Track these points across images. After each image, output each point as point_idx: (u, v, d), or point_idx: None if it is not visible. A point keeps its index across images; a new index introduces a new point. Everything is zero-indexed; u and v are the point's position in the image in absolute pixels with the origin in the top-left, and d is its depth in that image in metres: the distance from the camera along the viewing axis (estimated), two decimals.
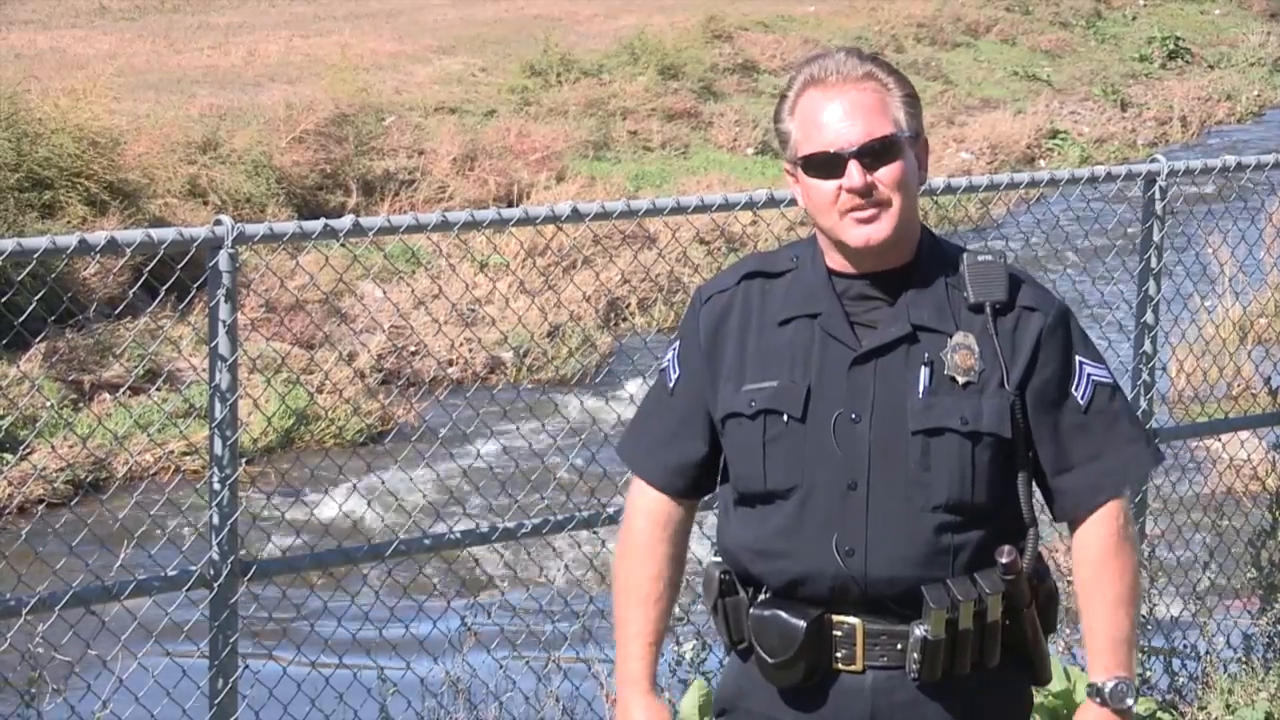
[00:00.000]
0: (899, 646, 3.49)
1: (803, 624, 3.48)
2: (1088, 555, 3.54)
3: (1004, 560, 3.46)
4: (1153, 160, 6.72)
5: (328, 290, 12.63)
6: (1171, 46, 30.01)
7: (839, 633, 3.50)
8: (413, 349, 13.19)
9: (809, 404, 3.49)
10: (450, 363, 13.27)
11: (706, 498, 3.75)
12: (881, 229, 3.46)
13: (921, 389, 3.47)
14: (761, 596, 3.56)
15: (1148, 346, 6.63)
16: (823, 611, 3.49)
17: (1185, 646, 6.93)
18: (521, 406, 8.08)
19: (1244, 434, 8.50)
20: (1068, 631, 6.28)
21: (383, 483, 6.67)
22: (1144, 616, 6.74)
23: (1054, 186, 6.70)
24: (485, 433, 9.61)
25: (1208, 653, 6.86)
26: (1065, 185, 6.72)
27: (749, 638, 3.56)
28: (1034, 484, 3.56)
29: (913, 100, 3.52)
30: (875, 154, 3.45)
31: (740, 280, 3.61)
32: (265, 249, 11.42)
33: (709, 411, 3.62)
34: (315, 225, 5.49)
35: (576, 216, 5.85)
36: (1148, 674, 6.75)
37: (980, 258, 3.54)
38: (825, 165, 3.46)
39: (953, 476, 3.46)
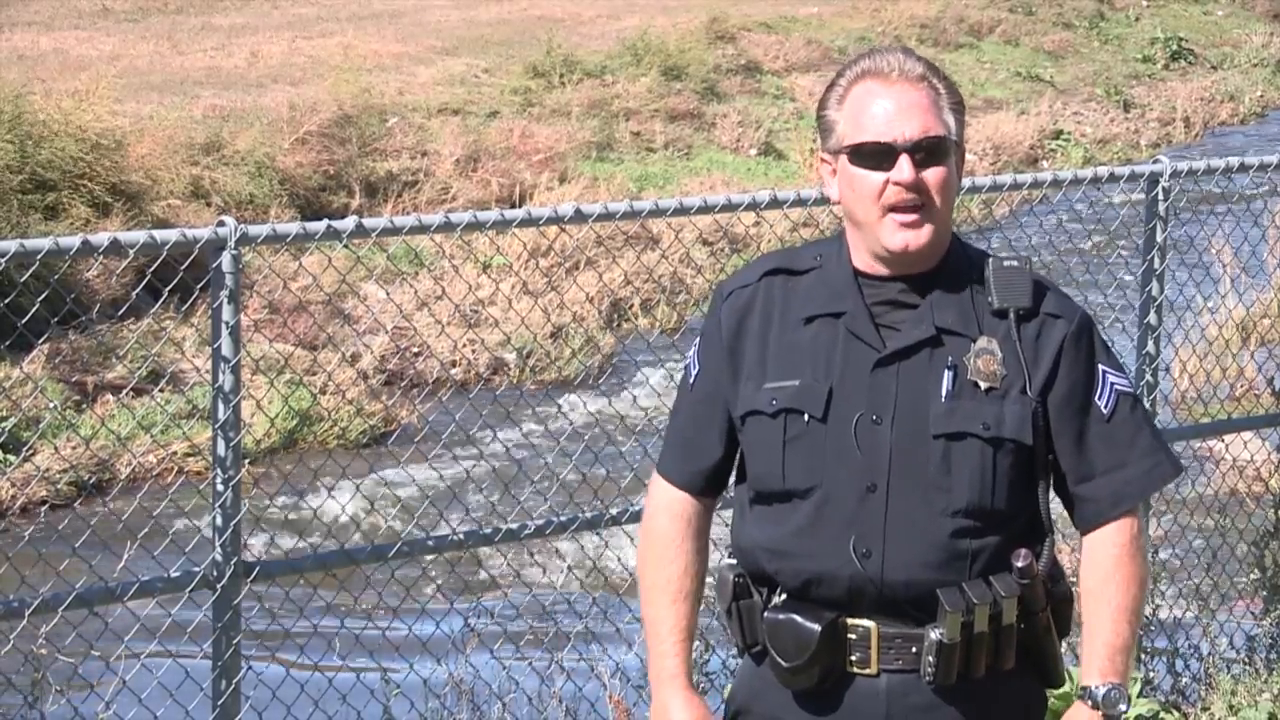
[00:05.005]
0: (914, 649, 3.48)
1: (818, 628, 3.47)
2: (1098, 561, 3.53)
3: (1020, 564, 3.46)
4: (1156, 161, 6.72)
5: (331, 291, 12.62)
6: (1174, 47, 29.96)
7: (854, 636, 3.49)
8: (416, 350, 13.19)
9: (830, 404, 3.48)
10: (453, 364, 13.26)
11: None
12: (921, 236, 3.45)
13: (944, 393, 3.46)
14: (776, 599, 3.54)
15: (1150, 347, 6.63)
16: (838, 615, 3.48)
17: (1188, 647, 6.94)
18: (525, 408, 8.08)
19: (1247, 435, 8.49)
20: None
21: (386, 484, 6.66)
22: (1147, 617, 6.74)
23: (1057, 187, 6.70)
24: (488, 434, 9.60)
25: (1211, 653, 6.86)
26: (1068, 186, 6.72)
27: (763, 641, 3.55)
28: (1052, 490, 3.55)
29: (960, 108, 3.51)
30: (927, 152, 3.43)
31: (762, 277, 3.60)
32: (268, 250, 11.43)
33: (729, 409, 3.60)
34: (318, 226, 5.49)
35: (579, 217, 5.84)
36: (1150, 675, 6.75)
37: (1006, 263, 3.53)
38: (875, 156, 3.44)
39: (973, 481, 3.46)
